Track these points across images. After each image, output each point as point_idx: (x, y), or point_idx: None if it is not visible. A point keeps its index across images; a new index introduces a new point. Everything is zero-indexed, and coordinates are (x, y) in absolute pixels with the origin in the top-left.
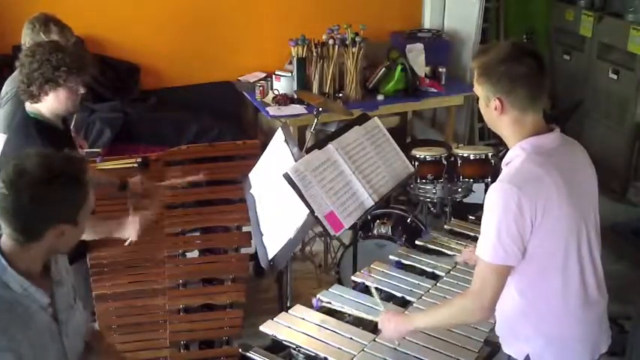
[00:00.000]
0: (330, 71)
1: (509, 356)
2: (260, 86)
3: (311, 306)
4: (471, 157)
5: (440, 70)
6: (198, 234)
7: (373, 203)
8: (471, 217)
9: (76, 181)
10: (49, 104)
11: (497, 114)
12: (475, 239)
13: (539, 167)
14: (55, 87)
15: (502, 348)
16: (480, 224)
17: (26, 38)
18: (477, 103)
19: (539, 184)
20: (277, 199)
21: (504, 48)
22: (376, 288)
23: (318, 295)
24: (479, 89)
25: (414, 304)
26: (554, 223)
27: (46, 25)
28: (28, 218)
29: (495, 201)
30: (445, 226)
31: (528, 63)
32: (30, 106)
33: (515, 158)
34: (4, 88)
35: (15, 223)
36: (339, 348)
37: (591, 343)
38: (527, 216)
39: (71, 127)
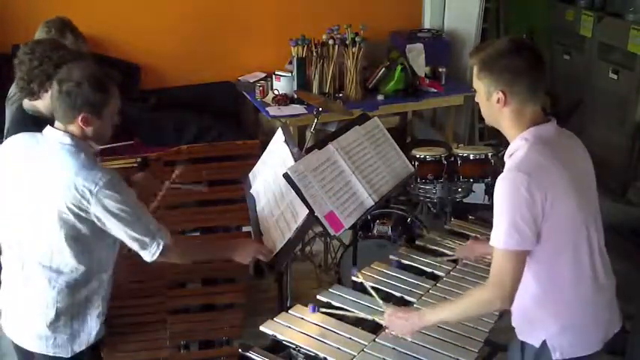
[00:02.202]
0: (330, 71)
1: (523, 343)
2: (260, 86)
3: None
4: (471, 157)
5: (440, 70)
6: (198, 234)
7: (373, 203)
8: (471, 217)
9: (101, 85)
10: (49, 101)
11: (500, 107)
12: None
13: (543, 157)
14: None
15: (517, 336)
16: (480, 224)
17: None
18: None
19: (545, 172)
20: (277, 199)
21: (503, 42)
22: (374, 288)
23: (317, 296)
24: (479, 84)
25: (414, 305)
26: (564, 210)
27: (62, 31)
28: (64, 105)
29: (505, 189)
30: (445, 226)
31: (527, 56)
32: (28, 103)
33: (518, 149)
34: (11, 88)
35: (59, 110)
36: (339, 348)
37: (604, 325)
38: (538, 200)
39: None
